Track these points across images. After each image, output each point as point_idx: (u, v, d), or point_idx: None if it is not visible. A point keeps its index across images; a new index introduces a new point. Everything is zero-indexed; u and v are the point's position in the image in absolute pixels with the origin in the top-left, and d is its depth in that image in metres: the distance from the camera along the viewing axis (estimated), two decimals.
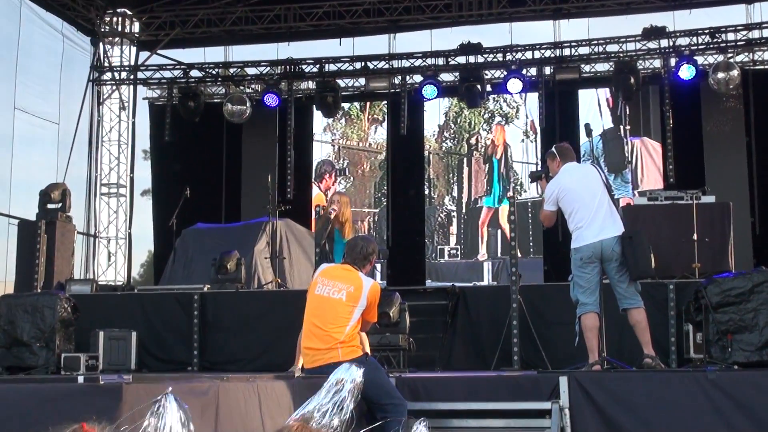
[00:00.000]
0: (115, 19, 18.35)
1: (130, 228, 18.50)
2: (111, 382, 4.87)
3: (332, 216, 10.16)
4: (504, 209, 28.48)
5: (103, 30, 18.14)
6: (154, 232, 18.44)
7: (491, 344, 11.03)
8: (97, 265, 17.97)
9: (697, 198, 12.12)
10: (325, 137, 32.78)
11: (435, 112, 32.13)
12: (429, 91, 16.65)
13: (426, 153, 21.50)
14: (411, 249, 17.42)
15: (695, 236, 11.76)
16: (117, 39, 18.53)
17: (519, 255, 11.94)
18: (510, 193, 29.47)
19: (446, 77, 17.51)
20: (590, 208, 8.58)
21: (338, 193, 11.54)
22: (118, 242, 18.44)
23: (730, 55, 16.08)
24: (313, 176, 21.74)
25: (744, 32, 16.32)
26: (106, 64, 18.33)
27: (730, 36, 16.25)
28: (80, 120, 17.54)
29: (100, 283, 15.75)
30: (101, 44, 18.19)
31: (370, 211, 31.96)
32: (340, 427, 2.25)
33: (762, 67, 16.65)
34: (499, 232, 28.88)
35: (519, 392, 7.83)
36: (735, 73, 15.66)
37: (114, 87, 18.49)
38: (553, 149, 9.20)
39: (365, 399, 7.04)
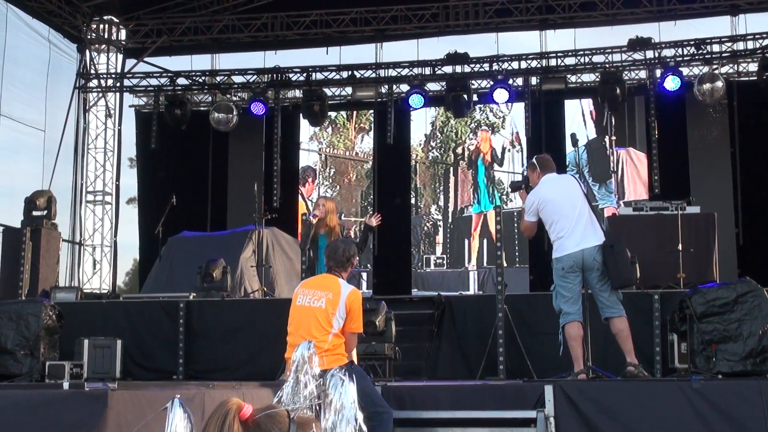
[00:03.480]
0: (101, 26, 18.32)
1: (115, 236, 18.47)
2: (97, 389, 4.86)
3: (315, 221, 10.14)
4: (492, 214, 28.49)
5: (89, 37, 18.11)
6: (139, 240, 18.39)
7: (477, 353, 11.04)
8: (82, 273, 17.92)
9: (682, 208, 12.17)
10: (311, 146, 32.79)
11: (421, 121, 32.17)
12: (415, 100, 16.69)
13: (412, 162, 21.46)
14: (397, 258, 17.41)
15: (680, 246, 11.80)
16: (103, 46, 18.49)
17: (505, 264, 11.96)
18: (496, 203, 29.52)
19: (433, 87, 17.55)
20: (570, 218, 8.60)
21: (323, 197, 11.50)
22: (103, 250, 18.40)
23: (715, 66, 16.15)
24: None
25: (729, 44, 16.41)
26: (93, 72, 18.30)
27: (715, 47, 16.34)
28: (66, 127, 17.50)
29: (85, 290, 15.69)
30: (87, 51, 18.15)
31: (357, 220, 31.95)
32: (306, 399, 2.35)
33: (746, 78, 16.72)
34: (485, 241, 28.90)
35: (504, 401, 7.83)
36: (720, 84, 15.73)
37: (100, 94, 18.46)
38: (534, 160, 9.24)
39: None
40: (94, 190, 18.49)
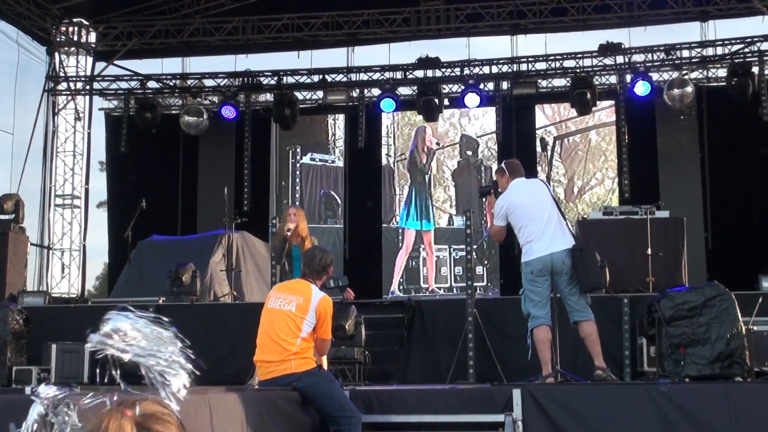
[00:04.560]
0: (71, 28, 18.20)
1: (84, 240, 18.34)
2: None
3: (289, 234, 10.14)
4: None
5: (59, 39, 17.99)
6: (109, 244, 18.28)
7: (447, 357, 11.04)
8: (50, 277, 17.78)
9: (651, 213, 12.22)
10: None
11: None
12: (387, 104, 16.68)
13: (383, 166, 21.44)
14: (368, 262, 17.40)
15: (649, 251, 11.85)
16: (73, 49, 18.37)
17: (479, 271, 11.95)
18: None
19: (404, 91, 17.55)
20: (539, 222, 8.62)
21: (293, 207, 11.40)
22: (72, 254, 18.27)
23: (684, 71, 16.26)
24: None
25: (698, 49, 16.52)
26: (62, 74, 18.17)
27: (685, 53, 16.45)
28: (35, 130, 17.38)
29: (53, 295, 15.59)
30: (57, 54, 18.03)
31: (326, 227, 31.83)
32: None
33: (716, 84, 16.82)
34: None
35: (473, 405, 7.82)
36: (689, 89, 15.83)
37: (70, 97, 18.34)
38: (503, 165, 9.28)
39: (319, 411, 7.02)
40: (63, 193, 18.36)
